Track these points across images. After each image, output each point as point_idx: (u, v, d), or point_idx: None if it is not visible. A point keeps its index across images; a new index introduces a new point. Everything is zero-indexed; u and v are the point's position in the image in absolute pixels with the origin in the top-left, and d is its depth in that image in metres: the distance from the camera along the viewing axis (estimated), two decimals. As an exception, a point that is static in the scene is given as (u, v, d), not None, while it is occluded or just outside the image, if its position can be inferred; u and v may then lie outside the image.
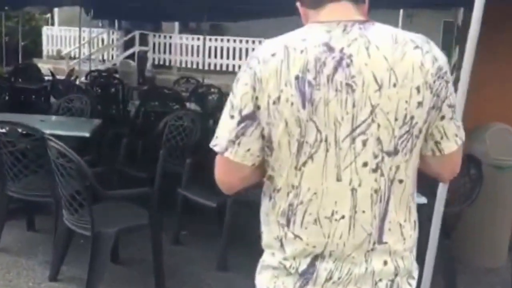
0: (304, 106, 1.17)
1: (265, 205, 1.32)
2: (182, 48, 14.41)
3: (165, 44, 14.62)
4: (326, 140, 1.18)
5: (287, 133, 1.19)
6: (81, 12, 11.11)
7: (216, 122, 5.47)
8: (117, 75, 11.98)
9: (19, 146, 3.16)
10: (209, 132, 5.03)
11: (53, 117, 4.59)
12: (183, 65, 14.37)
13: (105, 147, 5.58)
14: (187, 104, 6.11)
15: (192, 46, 14.23)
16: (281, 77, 1.18)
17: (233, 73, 13.51)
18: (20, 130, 3.15)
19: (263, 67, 1.20)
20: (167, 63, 14.60)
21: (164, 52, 14.64)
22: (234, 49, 13.72)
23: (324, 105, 1.17)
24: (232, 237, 3.55)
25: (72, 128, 3.94)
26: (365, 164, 1.19)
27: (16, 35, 12.76)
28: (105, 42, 15.38)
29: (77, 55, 13.06)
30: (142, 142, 4.80)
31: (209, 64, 13.67)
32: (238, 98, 1.22)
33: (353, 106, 1.17)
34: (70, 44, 15.52)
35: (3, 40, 12.55)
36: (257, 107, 1.20)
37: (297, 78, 1.17)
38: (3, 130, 3.21)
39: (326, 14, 1.25)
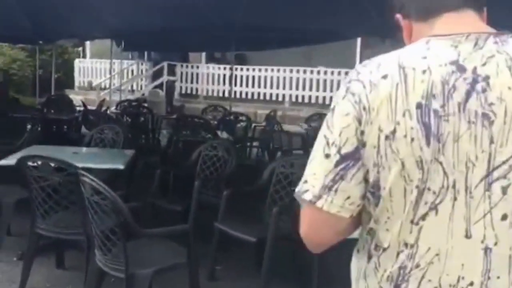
0: (428, 143, 0.87)
1: (360, 265, 1.01)
2: (208, 77, 14.27)
3: (192, 73, 14.51)
4: (453, 186, 0.88)
5: (403, 178, 0.89)
6: (112, 45, 11.13)
7: (244, 150, 5.14)
8: (146, 104, 11.90)
9: (51, 181, 2.89)
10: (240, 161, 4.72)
11: (86, 149, 4.34)
12: (210, 94, 14.20)
13: (136, 178, 5.32)
14: (218, 133, 5.83)
15: (219, 75, 14.07)
16: (397, 105, 0.88)
17: (258, 100, 13.28)
18: (52, 164, 2.89)
19: (372, 92, 0.91)
20: (194, 92, 14.47)
21: (192, 82, 14.51)
22: (259, 77, 13.51)
23: (453, 141, 0.87)
24: (272, 273, 3.20)
25: (106, 161, 3.67)
26: (504, 217, 0.88)
27: (49, 67, 12.81)
28: (135, 73, 15.38)
29: (107, 86, 13.06)
30: (173, 173, 4.52)
31: (235, 92, 13.51)
32: (337, 132, 0.94)
33: (491, 142, 0.87)
34: (101, 75, 15.56)
35: (37, 72, 12.61)
36: (362, 144, 0.92)
37: (419, 106, 0.87)
38: (35, 164, 2.95)
39: (444, 26, 0.95)
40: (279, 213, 3.15)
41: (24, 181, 2.96)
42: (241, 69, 13.60)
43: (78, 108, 9.57)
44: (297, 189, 0.99)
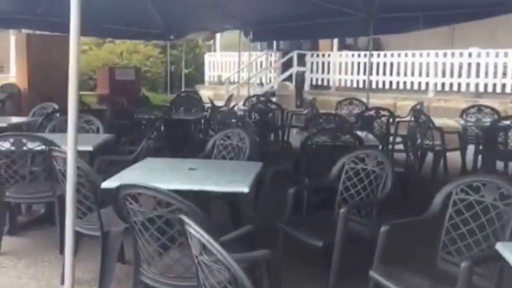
0: None
1: None
2: (341, 66, 13.18)
3: (323, 63, 13.53)
4: None
5: None
6: (240, 36, 10.69)
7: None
8: (274, 99, 11.29)
9: (153, 217, 2.21)
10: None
11: (206, 163, 3.66)
12: (342, 84, 13.14)
13: (263, 189, 4.61)
14: (359, 134, 4.83)
15: (352, 63, 12.91)
16: None
17: (397, 90, 11.89)
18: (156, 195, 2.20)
19: None
20: (325, 83, 13.50)
21: (323, 72, 13.54)
22: (398, 64, 12.06)
23: None
24: None
25: (228, 180, 2.94)
26: None
27: (181, 63, 12.83)
28: (263, 65, 14.86)
29: (236, 80, 12.72)
30: (309, 190, 3.69)
31: (370, 82, 12.32)
32: None
33: None
34: (230, 69, 15.34)
35: (168, 68, 12.68)
36: None
37: None
38: (137, 191, 2.29)
39: None
40: (471, 267, 2.15)
41: (122, 215, 2.34)
42: (378, 56, 12.30)
43: (206, 105, 9.27)
44: None
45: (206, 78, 16.32)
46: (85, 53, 14.95)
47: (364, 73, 12.33)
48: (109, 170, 4.30)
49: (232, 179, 2.96)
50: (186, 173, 3.05)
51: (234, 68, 15.03)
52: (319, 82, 13.58)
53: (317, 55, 13.68)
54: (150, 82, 14.85)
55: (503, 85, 10.54)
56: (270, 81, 14.57)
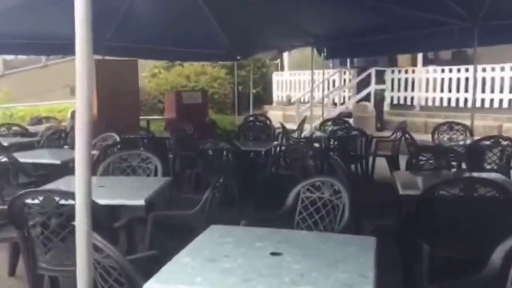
0: None
1: None
2: (428, 83, 11.65)
3: (406, 79, 12.03)
4: None
5: None
6: (313, 54, 9.62)
7: None
8: (350, 120, 10.09)
9: None
10: None
11: (293, 239, 2.37)
12: (429, 103, 11.59)
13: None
14: (494, 177, 3.46)
15: (442, 80, 11.31)
16: None
17: (500, 109, 10.12)
18: None
19: None
20: (408, 102, 12.00)
21: (405, 90, 12.04)
22: (501, 79, 10.20)
23: None
24: None
25: (334, 281, 1.78)
26: None
27: (249, 83, 12.01)
28: (336, 84, 13.58)
29: (306, 100, 11.59)
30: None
31: (459, 100, 10.82)
32: None
33: None
34: (299, 88, 14.26)
35: (235, 89, 11.88)
36: None
37: None
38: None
39: None
40: None
41: None
42: (466, 70, 10.73)
43: (277, 130, 8.20)
44: None
45: (274, 98, 15.32)
46: (155, 77, 14.68)
47: (457, 91, 10.87)
48: (168, 227, 3.35)
49: (341, 280, 1.78)
50: (268, 264, 1.90)
51: (303, 88, 13.95)
52: (401, 101, 12.09)
53: (399, 72, 12.23)
54: (217, 104, 14.15)
55: None
56: (344, 101, 13.27)
